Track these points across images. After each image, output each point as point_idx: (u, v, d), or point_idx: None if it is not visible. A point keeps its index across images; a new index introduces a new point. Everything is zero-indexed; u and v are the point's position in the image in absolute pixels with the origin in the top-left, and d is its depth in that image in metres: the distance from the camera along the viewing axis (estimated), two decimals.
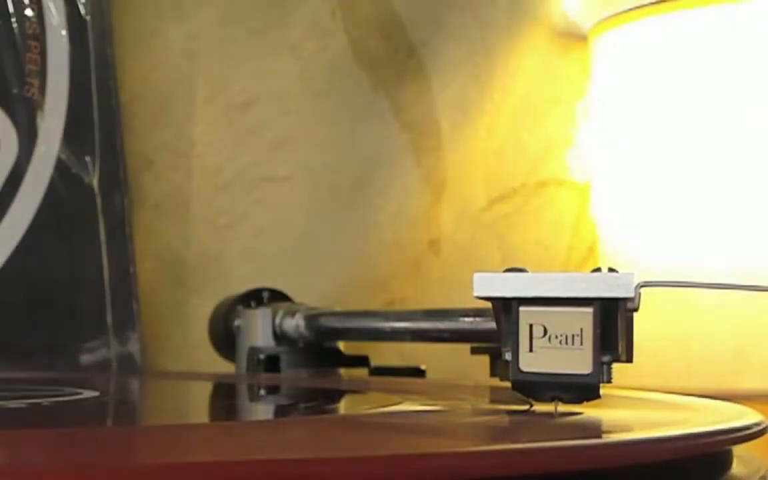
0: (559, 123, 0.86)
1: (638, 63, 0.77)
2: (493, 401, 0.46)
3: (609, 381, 0.36)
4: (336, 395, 0.52)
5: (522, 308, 0.36)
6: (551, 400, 0.36)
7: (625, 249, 0.78)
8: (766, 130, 0.73)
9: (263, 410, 0.51)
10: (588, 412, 0.37)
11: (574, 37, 0.84)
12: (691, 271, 0.73)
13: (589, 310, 0.35)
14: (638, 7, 0.77)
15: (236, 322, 0.68)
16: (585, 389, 0.36)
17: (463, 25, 0.83)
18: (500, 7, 0.85)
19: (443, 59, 0.83)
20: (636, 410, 0.41)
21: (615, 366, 0.37)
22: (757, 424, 0.35)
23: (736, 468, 0.35)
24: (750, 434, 0.34)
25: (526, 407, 0.37)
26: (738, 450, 0.36)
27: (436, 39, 0.83)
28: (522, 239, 0.85)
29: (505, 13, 0.85)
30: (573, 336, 0.36)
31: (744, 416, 0.36)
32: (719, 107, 0.74)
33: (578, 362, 0.36)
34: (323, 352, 0.67)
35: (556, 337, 0.36)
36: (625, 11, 0.77)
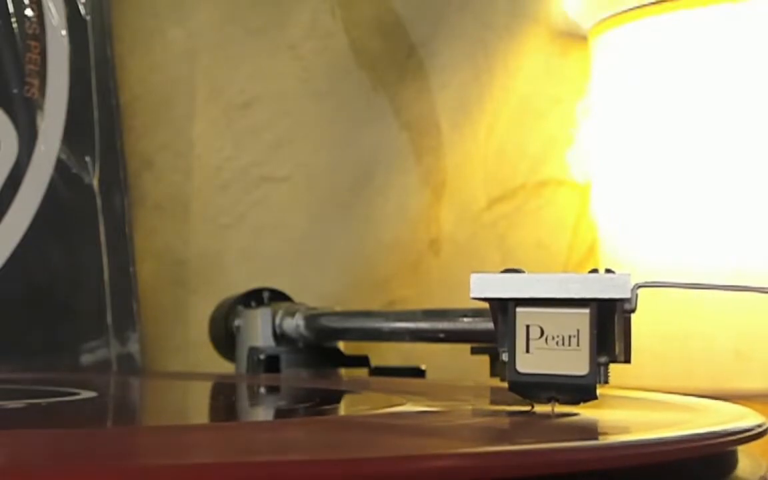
0: (559, 123, 0.86)
1: (638, 63, 0.77)
2: (493, 402, 0.46)
3: (606, 382, 0.36)
4: (336, 395, 0.52)
5: (519, 309, 0.36)
6: (548, 401, 0.37)
7: (625, 249, 0.78)
8: (766, 130, 0.73)
9: (263, 411, 0.51)
10: (587, 413, 0.37)
11: (574, 37, 0.84)
12: (691, 271, 0.73)
13: (586, 311, 0.35)
14: (638, 7, 0.77)
15: (236, 322, 0.68)
16: (582, 390, 0.36)
17: (463, 25, 0.83)
18: (500, 7, 0.85)
19: (443, 59, 0.83)
20: (636, 411, 0.41)
21: (615, 366, 0.37)
22: (758, 425, 0.35)
23: (737, 469, 0.35)
24: (751, 435, 0.34)
25: (527, 408, 0.37)
26: (738, 450, 0.36)
27: (436, 39, 0.83)
28: (522, 239, 0.85)
29: (505, 13, 0.85)
30: (570, 337, 0.36)
31: (745, 417, 0.36)
32: (719, 107, 0.74)
33: (575, 363, 0.36)
34: (323, 352, 0.67)
35: (553, 338, 0.36)
36: (625, 11, 0.77)
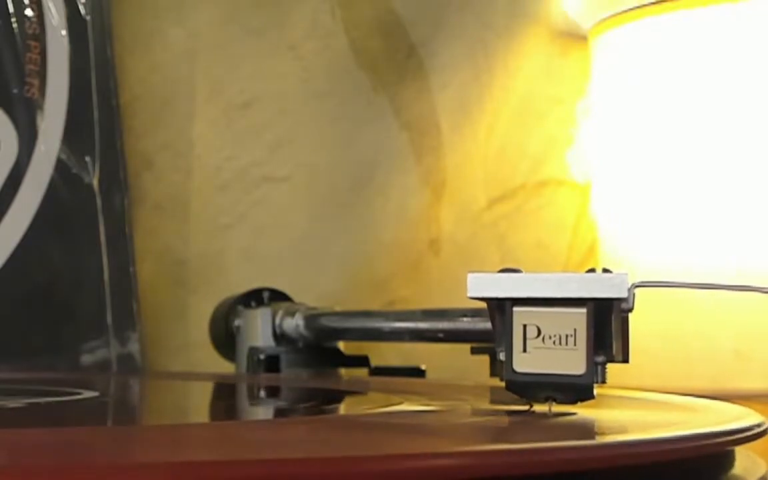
0: (559, 123, 0.86)
1: (638, 63, 0.77)
2: (492, 402, 0.47)
3: (603, 381, 0.36)
4: (336, 395, 0.52)
5: (515, 309, 0.36)
6: (545, 400, 0.37)
7: (624, 249, 0.78)
8: (766, 130, 0.73)
9: (263, 410, 0.51)
10: (584, 412, 0.37)
11: (574, 37, 0.84)
12: (691, 271, 0.73)
13: (583, 310, 0.35)
14: (638, 7, 0.77)
15: (236, 322, 0.68)
16: (579, 390, 0.36)
17: (463, 25, 0.83)
18: (500, 7, 0.85)
19: (443, 59, 0.83)
20: (634, 411, 0.41)
21: (615, 366, 0.37)
22: (758, 426, 0.35)
23: (735, 468, 0.35)
24: (750, 435, 0.34)
25: (525, 408, 0.37)
26: (737, 450, 0.36)
27: (436, 39, 0.83)
28: (522, 239, 0.85)
29: (505, 13, 0.85)
30: (567, 336, 0.36)
31: (744, 417, 0.36)
32: (719, 107, 0.74)
33: (572, 363, 0.36)
34: (323, 352, 0.67)
35: (550, 337, 0.36)
36: (625, 11, 0.77)
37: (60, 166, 0.68)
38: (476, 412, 0.41)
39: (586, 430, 0.35)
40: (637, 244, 0.77)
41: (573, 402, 0.36)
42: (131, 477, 0.25)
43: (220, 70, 0.77)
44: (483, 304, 0.37)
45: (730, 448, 0.35)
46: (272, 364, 0.65)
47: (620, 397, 0.43)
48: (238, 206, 0.77)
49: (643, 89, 0.77)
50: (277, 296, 0.69)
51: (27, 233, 0.67)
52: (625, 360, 0.37)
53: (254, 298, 0.69)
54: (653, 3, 0.76)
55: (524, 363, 0.36)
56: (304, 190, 0.79)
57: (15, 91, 0.67)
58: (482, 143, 0.84)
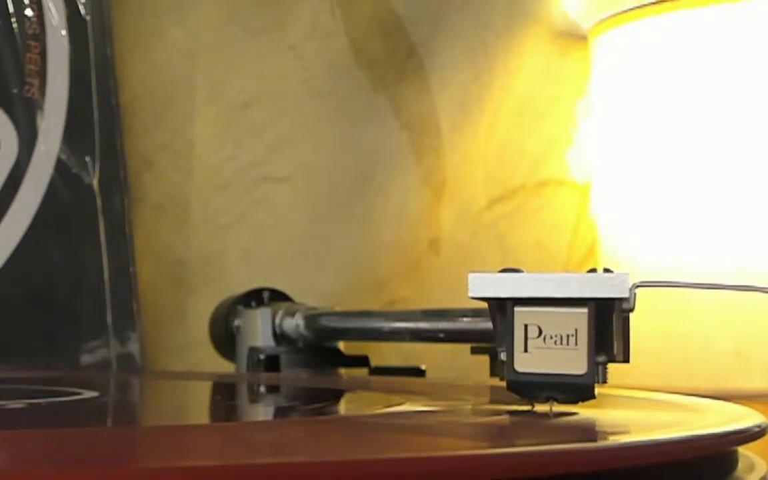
0: (559, 123, 0.86)
1: (638, 63, 0.77)
2: (492, 402, 0.46)
3: (604, 381, 0.36)
4: (336, 395, 0.52)
5: (517, 308, 0.36)
6: (546, 400, 0.37)
7: (625, 249, 0.78)
8: (766, 129, 0.73)
9: (263, 411, 0.51)
10: (585, 412, 0.37)
11: (574, 37, 0.84)
12: (691, 270, 0.73)
13: (584, 310, 0.35)
14: (638, 7, 0.77)
15: (236, 322, 0.68)
16: (580, 390, 0.36)
17: (463, 25, 0.83)
18: (500, 7, 0.85)
19: (443, 59, 0.83)
20: (635, 411, 0.41)
21: (614, 366, 0.37)
22: (758, 426, 0.35)
23: (737, 469, 0.35)
24: (751, 435, 0.34)
25: (527, 408, 0.37)
26: (738, 450, 0.36)
27: (436, 39, 0.83)
28: (522, 239, 0.85)
29: (505, 13, 0.85)
30: (568, 336, 0.36)
31: (745, 417, 0.36)
32: (719, 107, 0.74)
33: (573, 362, 0.36)
34: (323, 352, 0.67)
35: (551, 337, 0.36)
36: (625, 11, 0.77)
37: (60, 166, 0.68)
38: (478, 413, 0.41)
39: (588, 430, 0.35)
40: (637, 244, 0.77)
41: (574, 402, 0.36)
42: None
43: (220, 70, 0.77)
44: (483, 304, 0.37)
45: (731, 448, 0.35)
46: (272, 364, 0.65)
47: (621, 397, 0.43)
48: (238, 206, 0.77)
49: (643, 89, 0.77)
50: (277, 296, 0.69)
51: (27, 233, 0.67)
52: (626, 360, 0.37)
53: (254, 298, 0.69)
54: (653, 3, 0.76)
55: (525, 363, 0.36)
56: (304, 190, 0.79)
57: (15, 91, 0.67)
58: (482, 143, 0.84)
